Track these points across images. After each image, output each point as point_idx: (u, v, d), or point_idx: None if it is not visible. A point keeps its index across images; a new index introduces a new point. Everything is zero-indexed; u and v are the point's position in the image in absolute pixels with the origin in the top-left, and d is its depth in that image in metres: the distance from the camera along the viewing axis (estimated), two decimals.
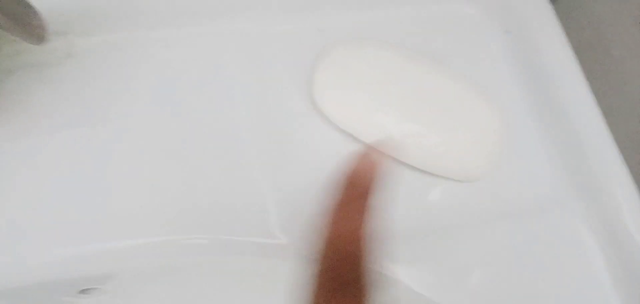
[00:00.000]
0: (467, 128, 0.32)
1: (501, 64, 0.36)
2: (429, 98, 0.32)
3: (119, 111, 0.31)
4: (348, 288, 0.20)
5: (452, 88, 0.33)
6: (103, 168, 0.29)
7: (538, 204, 0.32)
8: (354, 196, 0.22)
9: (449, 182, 0.32)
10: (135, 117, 0.31)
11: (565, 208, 0.32)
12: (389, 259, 0.29)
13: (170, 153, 0.30)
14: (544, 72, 0.35)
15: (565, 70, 0.34)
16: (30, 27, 0.23)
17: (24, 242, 0.27)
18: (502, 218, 0.31)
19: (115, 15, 0.32)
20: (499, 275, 0.30)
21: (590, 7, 0.48)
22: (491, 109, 0.33)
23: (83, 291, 0.28)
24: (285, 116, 0.32)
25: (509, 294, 0.29)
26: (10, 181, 0.28)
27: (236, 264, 0.31)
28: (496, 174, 0.32)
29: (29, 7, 0.23)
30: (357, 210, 0.22)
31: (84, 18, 0.32)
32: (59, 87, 0.31)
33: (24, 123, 0.29)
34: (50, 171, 0.29)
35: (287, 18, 0.35)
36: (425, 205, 0.31)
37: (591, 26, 0.48)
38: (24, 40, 0.23)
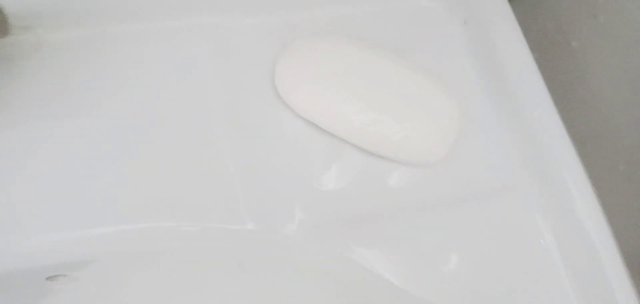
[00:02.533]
0: (426, 115, 0.34)
1: (460, 54, 0.37)
2: (389, 88, 0.34)
3: (90, 104, 0.32)
4: None
5: (412, 78, 0.34)
6: (74, 159, 0.30)
7: (494, 189, 0.33)
8: None
9: (407, 167, 0.33)
10: (106, 109, 0.32)
11: (519, 193, 0.33)
12: (350, 243, 0.30)
13: (139, 144, 0.31)
14: (499, 62, 0.36)
15: (518, 60, 0.36)
16: None
17: None
18: (458, 202, 0.32)
19: (85, 9, 0.33)
20: (457, 257, 0.31)
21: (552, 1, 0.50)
22: (449, 97, 0.34)
23: (50, 278, 0.29)
24: (252, 107, 0.33)
25: (466, 276, 0.31)
26: None
27: (206, 250, 0.32)
28: (453, 159, 0.34)
29: None
30: None
31: (52, 12, 0.33)
32: (28, 81, 0.32)
33: None
34: (20, 162, 0.30)
35: (256, 12, 0.36)
36: (384, 189, 0.32)
37: (553, 19, 0.50)
38: None
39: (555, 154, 0.33)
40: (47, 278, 0.29)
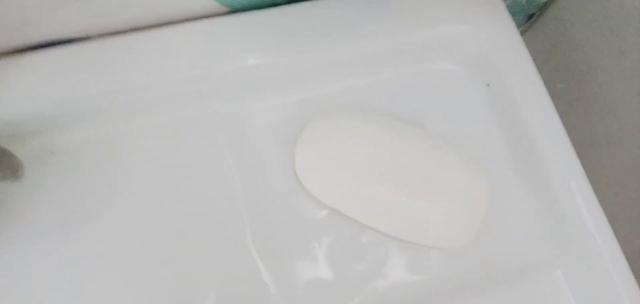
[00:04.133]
0: (453, 196, 0.32)
1: (484, 119, 0.36)
2: (413, 168, 0.32)
3: (105, 205, 0.31)
4: None
5: (436, 155, 0.33)
6: (93, 265, 0.30)
7: (523, 268, 0.32)
8: None
9: (435, 251, 0.32)
10: (122, 210, 0.31)
11: (551, 271, 0.32)
12: None
13: (158, 241, 0.31)
14: (524, 126, 0.34)
15: (545, 124, 0.34)
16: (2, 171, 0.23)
17: None
18: (488, 285, 0.31)
19: (96, 108, 0.32)
20: None
21: (577, 31, 0.48)
22: (476, 173, 0.33)
23: None
24: (274, 196, 0.33)
25: None
26: None
27: None
28: (482, 238, 0.32)
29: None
30: None
31: (64, 114, 0.32)
32: (44, 188, 0.31)
33: (5, 233, 0.30)
34: (40, 272, 0.29)
35: (271, 94, 0.35)
36: (410, 275, 0.31)
37: (578, 50, 0.48)
38: None
39: (586, 226, 0.32)
40: None
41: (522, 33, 0.56)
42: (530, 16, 0.52)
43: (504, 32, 0.37)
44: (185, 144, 0.33)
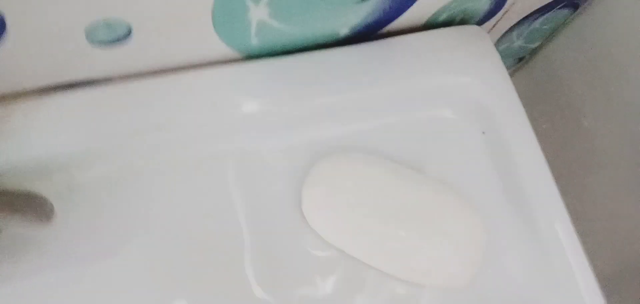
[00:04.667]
0: (452, 238, 0.34)
1: (480, 165, 0.38)
2: (415, 210, 0.35)
3: (119, 242, 0.33)
4: None
5: (436, 199, 0.35)
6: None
7: None
8: None
9: (435, 292, 0.34)
10: (135, 246, 0.33)
11: None
12: None
13: (169, 278, 0.32)
14: (517, 173, 0.37)
15: (535, 173, 0.37)
16: (36, 214, 0.24)
17: None
18: None
19: (114, 146, 0.34)
20: None
21: (564, 76, 0.51)
22: (473, 217, 0.35)
23: None
24: (280, 234, 0.34)
25: None
26: None
27: None
28: (479, 279, 0.35)
29: (31, 196, 0.25)
30: None
31: (83, 151, 0.33)
32: (62, 223, 0.32)
33: (24, 271, 0.31)
34: None
35: (280, 134, 0.37)
36: None
37: (565, 94, 0.51)
38: (31, 229, 0.25)
39: (573, 274, 0.34)
40: None
41: (512, 74, 0.59)
42: (520, 59, 0.56)
43: (499, 82, 0.39)
44: (197, 182, 0.35)
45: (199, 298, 0.32)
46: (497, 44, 0.50)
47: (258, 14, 0.32)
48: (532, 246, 0.36)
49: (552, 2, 0.45)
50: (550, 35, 0.52)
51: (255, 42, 0.35)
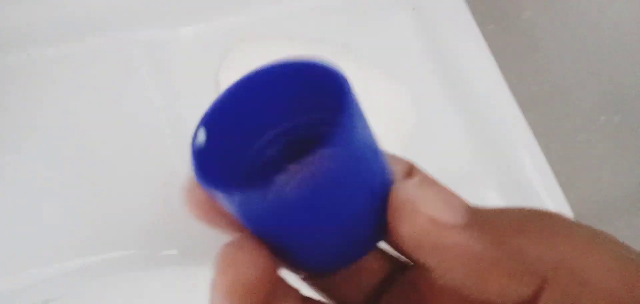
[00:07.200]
0: (378, 112, 0.33)
1: (410, 43, 0.36)
2: None
3: (23, 135, 0.30)
4: None
5: (361, 75, 0.33)
6: (14, 195, 0.29)
7: (453, 177, 0.33)
8: None
9: None
10: (41, 139, 0.30)
11: (476, 182, 0.33)
12: None
13: (81, 171, 0.30)
14: (449, 47, 0.35)
15: (469, 44, 0.35)
16: None
17: None
18: None
19: (6, 33, 0.31)
20: None
21: None
22: (400, 91, 0.34)
23: None
24: (195, 119, 0.32)
25: None
26: None
27: (159, 276, 0.31)
28: (407, 153, 0.33)
29: None
30: None
31: None
32: None
33: None
34: None
35: (193, 20, 0.34)
36: None
37: None
38: None
39: (512, 140, 0.33)
40: None
41: None
42: None
43: None
44: (107, 72, 0.32)
45: (107, 190, 0.30)
46: None
47: None
48: (466, 121, 0.34)
49: None
50: None
51: None
